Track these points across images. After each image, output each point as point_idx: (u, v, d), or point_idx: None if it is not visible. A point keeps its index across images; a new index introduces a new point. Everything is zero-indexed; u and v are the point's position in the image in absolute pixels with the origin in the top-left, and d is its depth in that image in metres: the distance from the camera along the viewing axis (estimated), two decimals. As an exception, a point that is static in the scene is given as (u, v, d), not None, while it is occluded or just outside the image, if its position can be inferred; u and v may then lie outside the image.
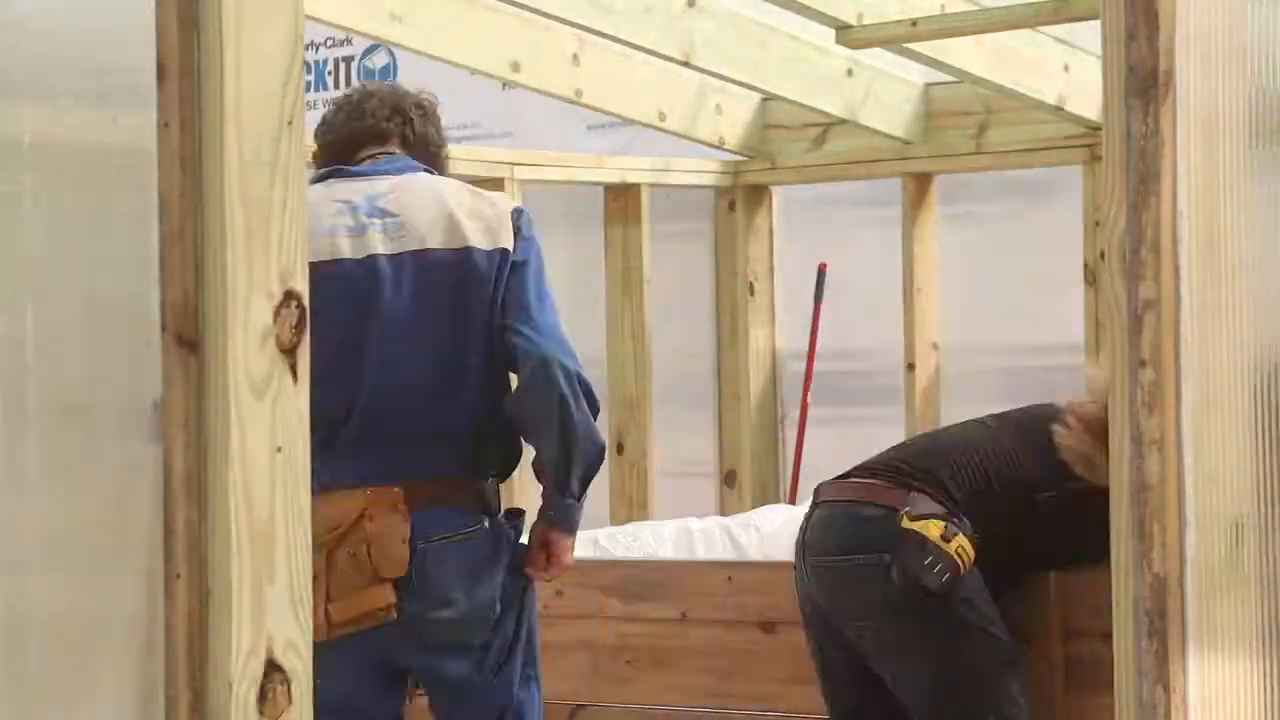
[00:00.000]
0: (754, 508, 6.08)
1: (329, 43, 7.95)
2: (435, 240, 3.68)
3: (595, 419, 3.71)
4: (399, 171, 3.79)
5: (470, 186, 3.86)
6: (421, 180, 3.79)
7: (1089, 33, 5.11)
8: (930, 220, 6.31)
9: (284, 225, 2.07)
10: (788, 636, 4.55)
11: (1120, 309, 2.37)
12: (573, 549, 3.79)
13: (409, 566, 3.60)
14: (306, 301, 2.08)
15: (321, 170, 3.82)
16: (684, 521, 5.37)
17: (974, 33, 5.21)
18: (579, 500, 3.73)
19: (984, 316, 6.37)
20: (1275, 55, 2.44)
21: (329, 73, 8.04)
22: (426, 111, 3.92)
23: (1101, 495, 2.45)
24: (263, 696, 2.02)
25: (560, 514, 3.72)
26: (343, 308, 3.62)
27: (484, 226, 3.70)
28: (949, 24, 5.06)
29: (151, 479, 2.02)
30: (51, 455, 2.01)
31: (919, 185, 6.29)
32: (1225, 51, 2.41)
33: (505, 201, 3.87)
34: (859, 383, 6.69)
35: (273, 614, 2.04)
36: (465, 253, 3.67)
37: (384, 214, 3.69)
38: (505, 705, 3.76)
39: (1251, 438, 2.41)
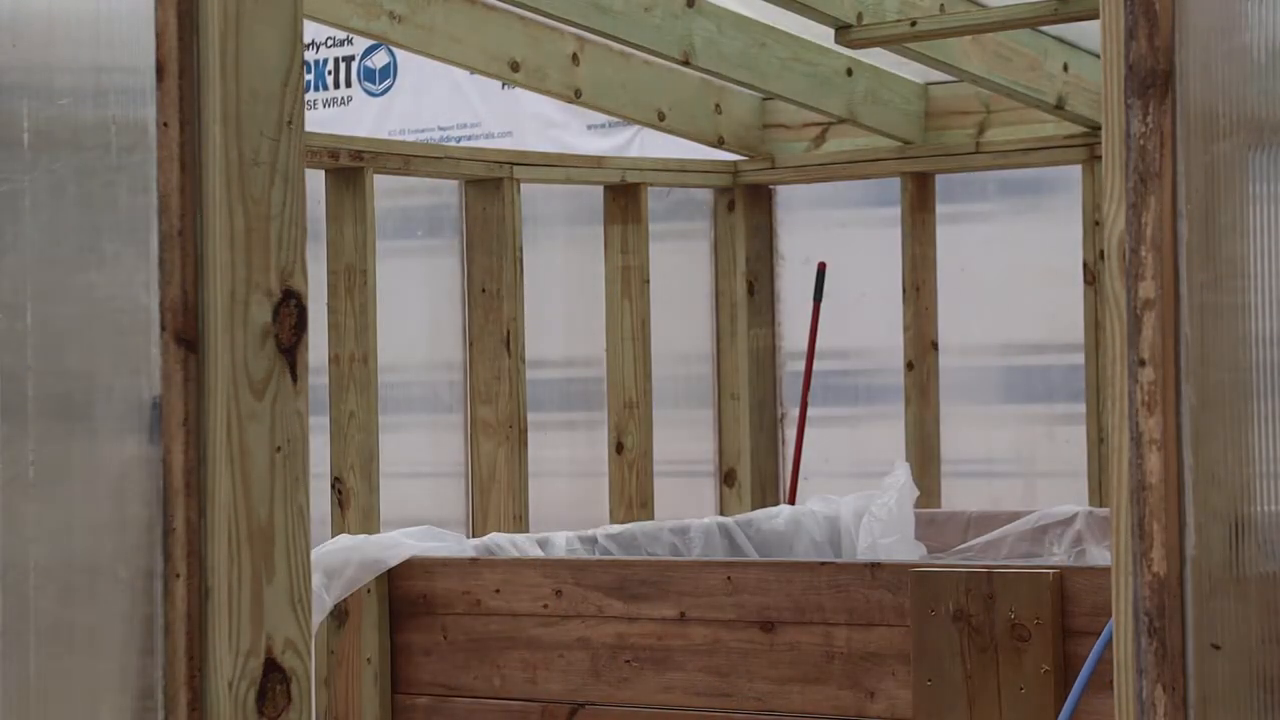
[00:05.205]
0: (753, 508, 6.08)
1: (329, 43, 7.95)
2: None
3: None
4: None
5: None
6: None
7: (1089, 33, 5.11)
8: (930, 220, 6.31)
9: (283, 225, 2.07)
10: (788, 636, 4.56)
11: (1120, 309, 2.37)
12: None
13: None
14: (307, 301, 2.08)
15: None
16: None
17: (974, 33, 5.21)
18: None
19: (984, 316, 6.36)
20: (1275, 55, 2.44)
21: (329, 73, 8.04)
22: None
23: None
24: (262, 696, 2.02)
25: None
26: None
27: None
28: (949, 24, 5.05)
29: (150, 479, 2.02)
30: (51, 455, 2.01)
31: (919, 185, 6.29)
32: (1225, 51, 2.41)
33: None
34: (859, 382, 6.69)
35: (272, 614, 2.04)
36: None
37: None
38: None
39: (1251, 437, 2.41)
